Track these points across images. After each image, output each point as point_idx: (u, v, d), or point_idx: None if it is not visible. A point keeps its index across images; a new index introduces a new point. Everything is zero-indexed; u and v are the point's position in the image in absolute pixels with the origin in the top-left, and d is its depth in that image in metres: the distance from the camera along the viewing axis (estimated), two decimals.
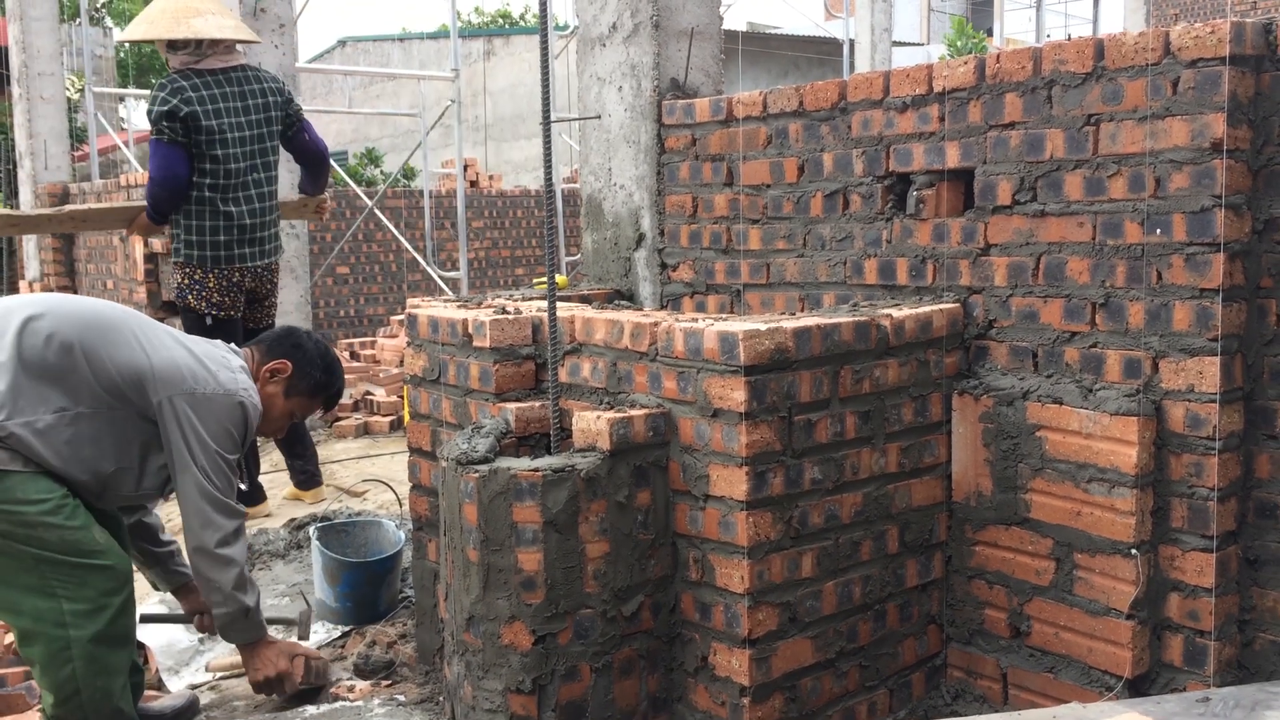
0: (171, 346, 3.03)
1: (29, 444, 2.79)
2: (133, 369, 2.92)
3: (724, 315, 3.40)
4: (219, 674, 3.69)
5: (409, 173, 16.36)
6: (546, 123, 2.92)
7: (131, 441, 2.96)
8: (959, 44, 17.27)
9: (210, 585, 3.09)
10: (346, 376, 9.52)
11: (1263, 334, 2.69)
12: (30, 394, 2.81)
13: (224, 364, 3.10)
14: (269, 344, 3.31)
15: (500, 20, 31.16)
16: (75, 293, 9.37)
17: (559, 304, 3.03)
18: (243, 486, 3.20)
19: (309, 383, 3.31)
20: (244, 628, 3.18)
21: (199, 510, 2.99)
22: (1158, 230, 2.70)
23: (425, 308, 3.52)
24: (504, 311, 3.27)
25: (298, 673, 3.30)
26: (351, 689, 3.42)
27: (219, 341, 3.25)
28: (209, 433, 2.98)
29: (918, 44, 25.88)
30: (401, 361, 9.63)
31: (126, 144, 13.89)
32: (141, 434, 2.96)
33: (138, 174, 10.64)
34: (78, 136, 14.93)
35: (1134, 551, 2.71)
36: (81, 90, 13.53)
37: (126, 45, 21.63)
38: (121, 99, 17.82)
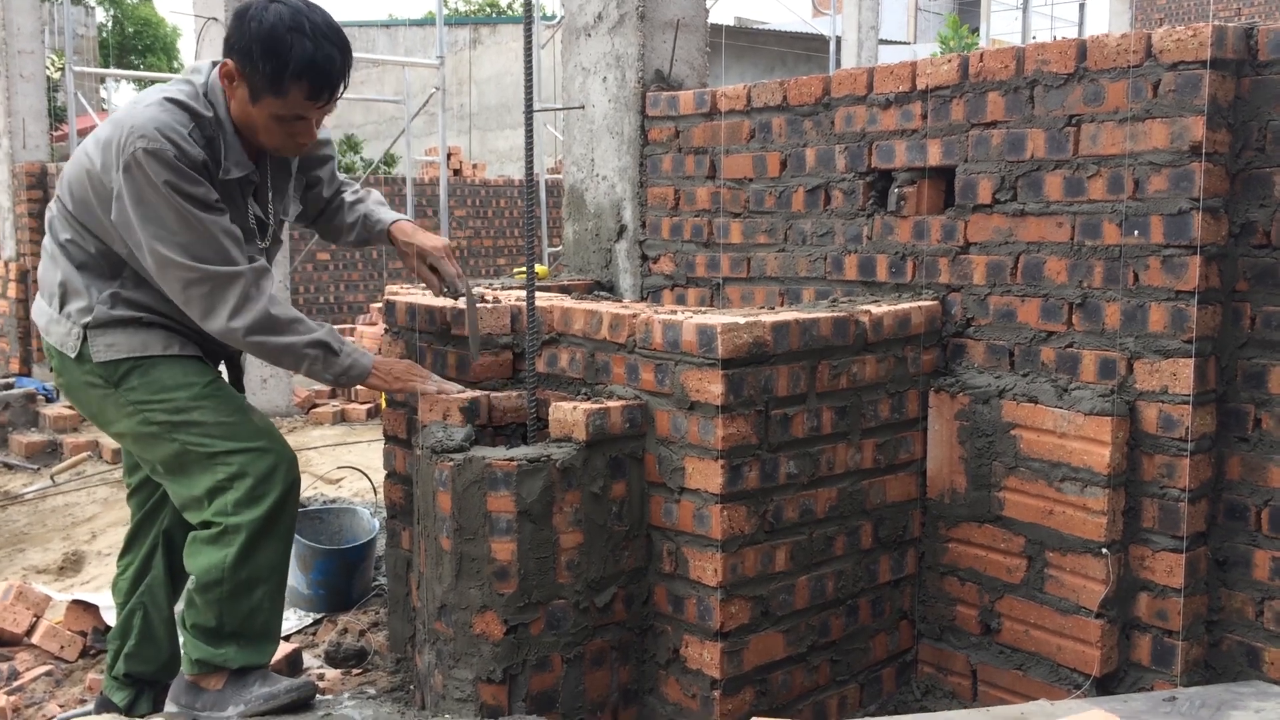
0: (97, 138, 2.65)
1: (136, 299, 2.69)
2: (99, 188, 2.63)
3: (703, 308, 3.40)
4: None
5: (390, 160, 16.29)
6: (529, 112, 2.91)
7: None
8: (952, 43, 17.30)
9: (274, 358, 2.76)
10: None
11: (1237, 337, 2.70)
12: (92, 268, 2.71)
13: (127, 117, 2.59)
14: (225, 44, 2.67)
15: (487, 9, 31.09)
16: None
17: (538, 294, 3.02)
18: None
19: (258, 76, 2.59)
20: (337, 365, 2.77)
21: (194, 303, 2.63)
22: (1135, 232, 2.71)
23: (404, 295, 3.50)
24: (483, 300, 3.26)
25: (421, 375, 2.90)
26: (321, 677, 3.41)
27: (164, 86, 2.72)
28: (150, 219, 2.55)
29: (904, 43, 25.94)
30: (380, 349, 9.61)
31: None
32: None
33: None
34: (57, 116, 14.81)
35: (1105, 551, 2.73)
36: (62, 69, 13.41)
37: (109, 25, 21.41)
38: (102, 79, 17.69)
